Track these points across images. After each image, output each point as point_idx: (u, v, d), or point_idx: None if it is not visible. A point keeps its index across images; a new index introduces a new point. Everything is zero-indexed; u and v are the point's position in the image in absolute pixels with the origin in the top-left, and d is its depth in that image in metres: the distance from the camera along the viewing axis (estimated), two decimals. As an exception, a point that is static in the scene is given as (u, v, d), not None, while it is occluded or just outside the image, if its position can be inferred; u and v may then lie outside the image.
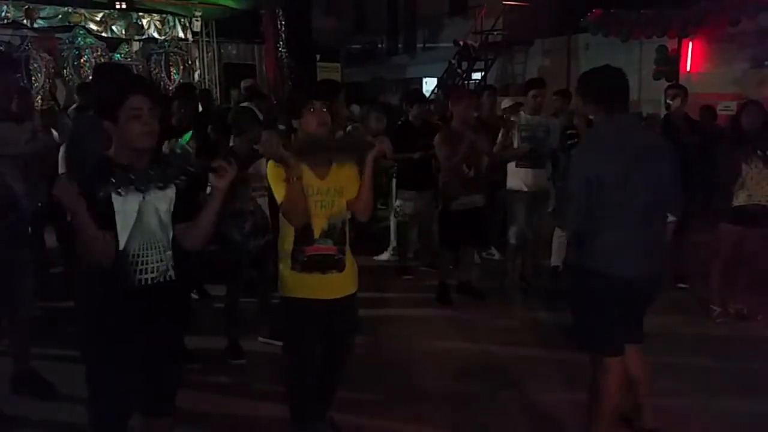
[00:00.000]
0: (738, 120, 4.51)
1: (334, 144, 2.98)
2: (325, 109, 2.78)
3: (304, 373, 2.88)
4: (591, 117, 2.95)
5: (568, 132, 4.15)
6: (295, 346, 2.87)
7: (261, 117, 4.48)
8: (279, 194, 2.72)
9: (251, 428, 3.32)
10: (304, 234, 2.74)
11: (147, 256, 2.18)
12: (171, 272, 2.25)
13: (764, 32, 10.33)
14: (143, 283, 2.18)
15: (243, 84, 7.52)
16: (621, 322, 2.79)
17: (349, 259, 2.87)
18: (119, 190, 2.07)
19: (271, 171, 2.75)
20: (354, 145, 3.04)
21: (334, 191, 2.78)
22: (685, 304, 4.99)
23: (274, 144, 2.64)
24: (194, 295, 5.19)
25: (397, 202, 5.81)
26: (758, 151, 4.33)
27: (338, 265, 2.80)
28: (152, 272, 2.20)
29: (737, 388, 3.64)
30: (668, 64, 11.22)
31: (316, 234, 2.74)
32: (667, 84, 6.99)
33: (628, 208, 2.66)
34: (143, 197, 2.14)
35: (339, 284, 2.84)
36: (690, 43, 11.32)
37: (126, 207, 2.10)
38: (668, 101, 5.30)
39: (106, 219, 2.06)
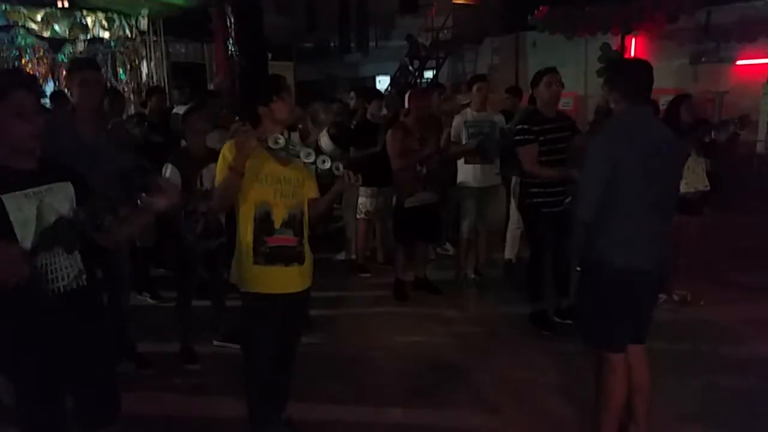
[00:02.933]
0: (676, 112, 4.69)
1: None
2: (290, 98, 2.83)
3: (266, 372, 2.86)
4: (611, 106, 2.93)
5: (518, 127, 4.25)
6: (256, 344, 2.85)
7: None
8: (221, 174, 2.69)
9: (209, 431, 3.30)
10: (264, 224, 2.72)
11: (56, 263, 2.03)
12: (83, 277, 2.12)
13: (702, 29, 10.76)
14: (56, 292, 2.03)
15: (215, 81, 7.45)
16: (629, 317, 2.76)
17: (308, 253, 2.87)
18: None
19: (226, 150, 2.71)
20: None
21: (295, 181, 2.78)
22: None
23: (249, 134, 2.60)
24: (150, 299, 5.12)
25: (360, 200, 5.82)
26: (693, 141, 4.53)
27: (299, 258, 2.80)
28: (63, 279, 2.05)
29: (683, 368, 3.81)
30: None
31: (277, 224, 2.73)
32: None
33: (645, 199, 2.65)
34: (40, 200, 1.98)
35: (299, 278, 2.84)
36: (633, 40, 11.68)
37: (23, 214, 1.94)
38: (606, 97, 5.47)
39: (3, 229, 1.88)
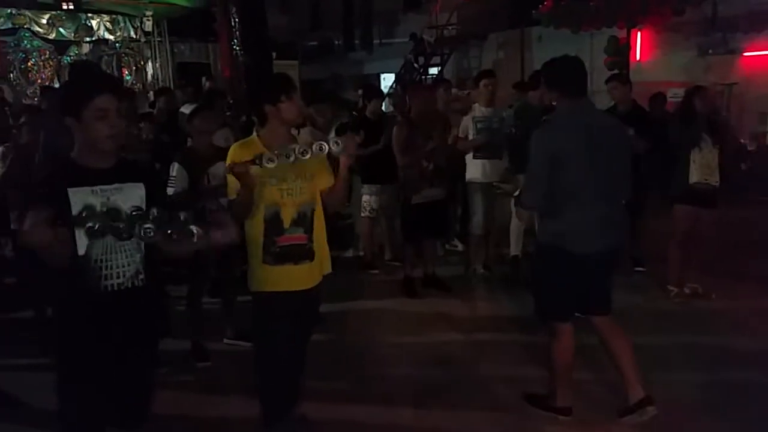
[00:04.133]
0: (691, 103, 4.67)
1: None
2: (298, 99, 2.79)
3: (279, 370, 2.85)
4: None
5: (545, 118, 4.21)
6: (269, 343, 2.84)
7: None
8: (232, 191, 2.67)
9: (219, 431, 3.30)
10: (274, 225, 2.70)
11: (111, 261, 2.05)
12: (141, 277, 2.12)
13: (708, 21, 10.68)
14: (109, 289, 2.05)
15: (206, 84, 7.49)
16: (573, 293, 3.05)
17: (319, 247, 2.84)
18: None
19: (229, 155, 2.70)
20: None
21: (300, 178, 2.74)
22: (643, 286, 5.15)
23: (244, 165, 2.54)
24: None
25: (364, 198, 5.81)
26: (705, 133, 4.50)
27: (310, 255, 2.79)
28: (118, 278, 2.06)
29: (694, 361, 3.79)
30: (618, 54, 11.48)
31: (286, 224, 2.71)
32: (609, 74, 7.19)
33: (586, 186, 2.87)
34: (107, 198, 2.02)
35: (309, 275, 2.83)
36: (639, 33, 11.60)
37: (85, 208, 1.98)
38: (611, 92, 5.45)
39: (63, 221, 1.91)
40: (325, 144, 2.60)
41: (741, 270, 5.48)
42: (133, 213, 1.97)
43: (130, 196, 2.07)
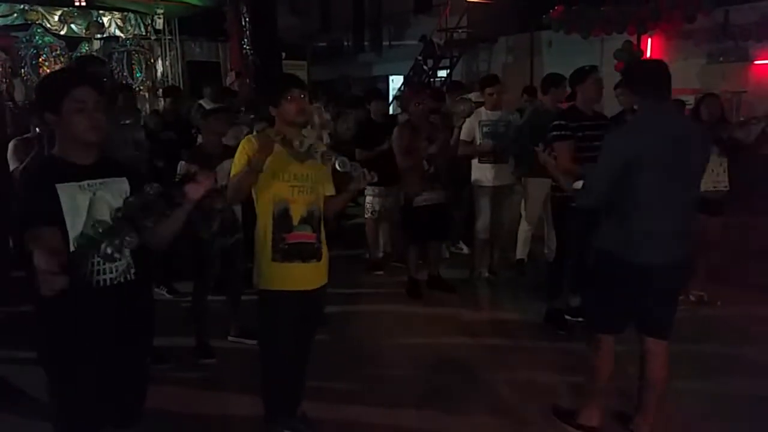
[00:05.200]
0: (698, 111, 4.66)
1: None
2: (303, 96, 2.77)
3: (284, 369, 2.86)
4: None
5: (555, 123, 4.19)
6: (274, 341, 2.84)
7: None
8: (237, 167, 2.70)
9: (223, 428, 3.30)
10: (283, 221, 2.72)
11: None
12: (133, 271, 2.11)
13: (720, 28, 10.65)
14: (101, 284, 2.03)
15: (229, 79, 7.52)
16: (626, 305, 2.86)
17: (325, 249, 2.87)
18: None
19: (245, 143, 2.72)
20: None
21: (313, 177, 2.77)
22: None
23: (271, 136, 2.63)
24: (166, 294, 5.16)
25: (367, 199, 5.83)
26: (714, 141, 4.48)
27: (318, 254, 2.80)
28: (111, 272, 2.05)
29: (699, 369, 3.77)
30: (631, 59, 11.45)
31: (295, 221, 2.73)
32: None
33: (660, 195, 2.69)
34: (93, 193, 2.00)
35: (316, 274, 2.84)
36: (649, 40, 11.58)
37: (75, 204, 1.97)
38: (619, 97, 5.44)
39: (54, 217, 1.91)
40: (347, 161, 2.67)
41: (747, 277, 5.45)
42: (117, 217, 1.96)
43: (115, 191, 2.07)
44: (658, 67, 2.89)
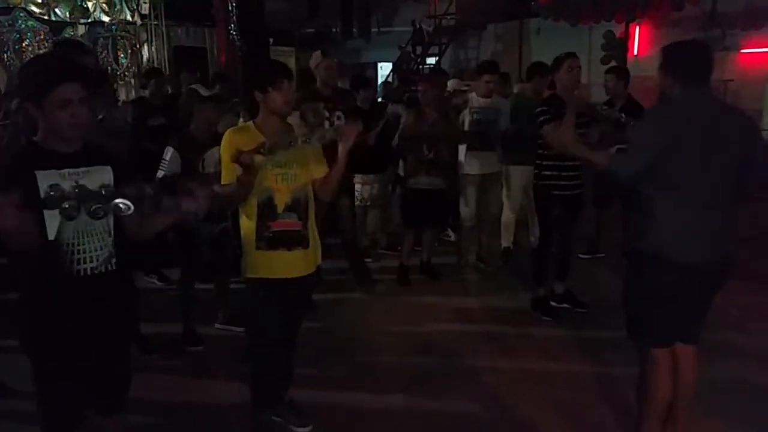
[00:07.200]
0: None
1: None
2: (290, 88, 2.74)
3: (272, 356, 2.86)
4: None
5: (539, 109, 4.18)
6: (261, 329, 2.85)
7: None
8: (226, 171, 2.67)
9: (210, 415, 3.30)
10: (267, 209, 2.70)
11: (84, 245, 2.00)
12: (114, 260, 2.08)
13: (707, 17, 10.69)
14: (82, 273, 2.01)
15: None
16: (677, 312, 2.61)
17: (313, 236, 2.86)
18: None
19: (225, 143, 2.69)
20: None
21: (296, 164, 2.74)
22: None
23: (248, 155, 2.55)
24: (157, 282, 5.14)
25: (357, 187, 5.80)
26: None
27: (304, 241, 2.79)
28: (91, 261, 2.02)
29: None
30: (615, 49, 11.48)
31: (280, 209, 2.71)
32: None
33: (701, 189, 2.49)
34: (76, 182, 1.95)
35: (303, 262, 2.83)
36: (637, 28, 11.60)
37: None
38: (607, 84, 5.45)
39: (31, 203, 1.85)
40: (327, 133, 2.62)
41: (741, 266, 5.44)
42: (104, 192, 1.94)
43: (99, 180, 2.02)
44: (698, 47, 2.69)
